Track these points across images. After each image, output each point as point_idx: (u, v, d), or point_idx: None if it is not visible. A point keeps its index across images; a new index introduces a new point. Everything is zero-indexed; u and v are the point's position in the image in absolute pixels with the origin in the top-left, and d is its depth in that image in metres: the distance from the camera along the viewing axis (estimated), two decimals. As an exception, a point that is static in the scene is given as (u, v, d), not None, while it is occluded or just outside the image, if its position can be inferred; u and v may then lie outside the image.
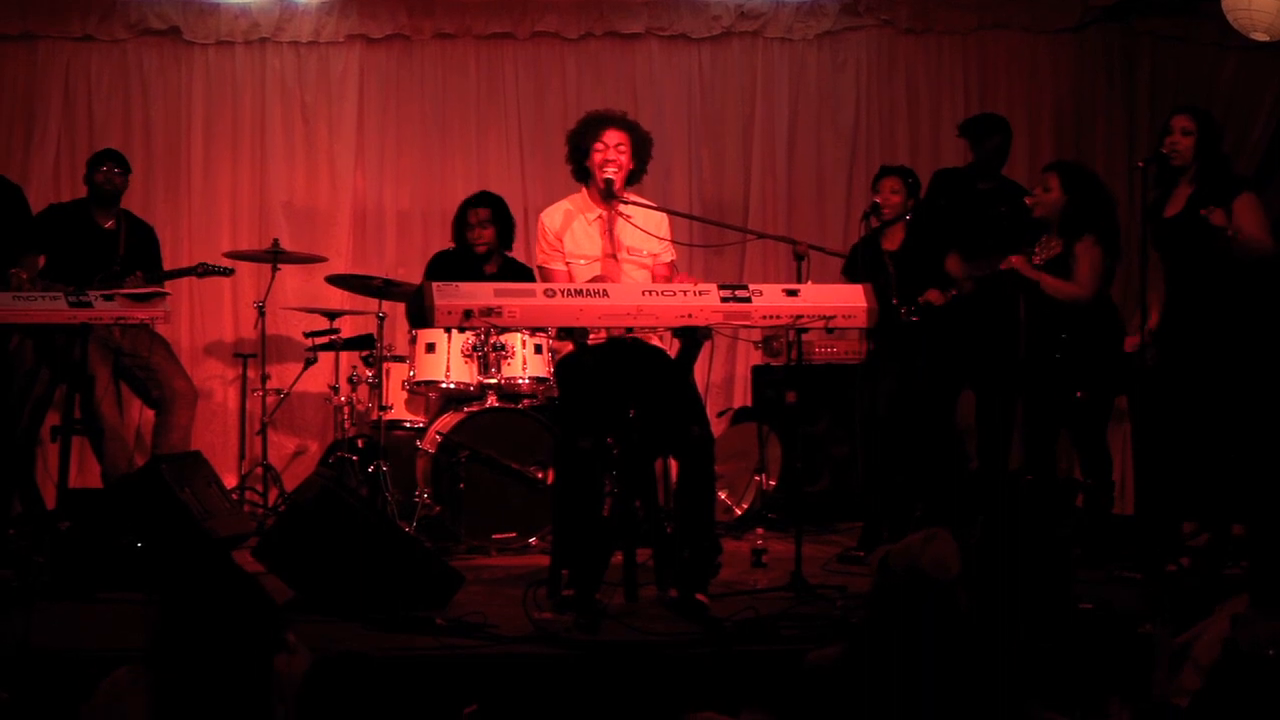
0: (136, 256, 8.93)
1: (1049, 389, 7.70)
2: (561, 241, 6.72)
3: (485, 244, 9.01)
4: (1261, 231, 7.13)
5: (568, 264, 6.69)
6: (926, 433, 8.08)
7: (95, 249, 8.79)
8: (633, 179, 6.80)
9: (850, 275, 7.98)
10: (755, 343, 9.63)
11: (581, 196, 6.83)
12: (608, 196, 6.69)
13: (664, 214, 6.96)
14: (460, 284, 5.92)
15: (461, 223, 9.10)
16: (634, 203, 6.79)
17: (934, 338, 7.97)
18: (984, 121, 9.03)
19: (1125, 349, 7.65)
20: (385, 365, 8.75)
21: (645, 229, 6.73)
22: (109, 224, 8.95)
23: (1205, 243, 7.11)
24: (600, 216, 6.75)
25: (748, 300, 6.07)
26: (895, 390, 8.00)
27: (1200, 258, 7.17)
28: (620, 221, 6.73)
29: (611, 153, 6.66)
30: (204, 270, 9.14)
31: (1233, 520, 7.29)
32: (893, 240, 8.20)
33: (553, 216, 6.81)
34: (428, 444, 8.44)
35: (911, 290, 7.93)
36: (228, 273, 9.31)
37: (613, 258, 6.70)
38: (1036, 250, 7.78)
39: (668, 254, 6.86)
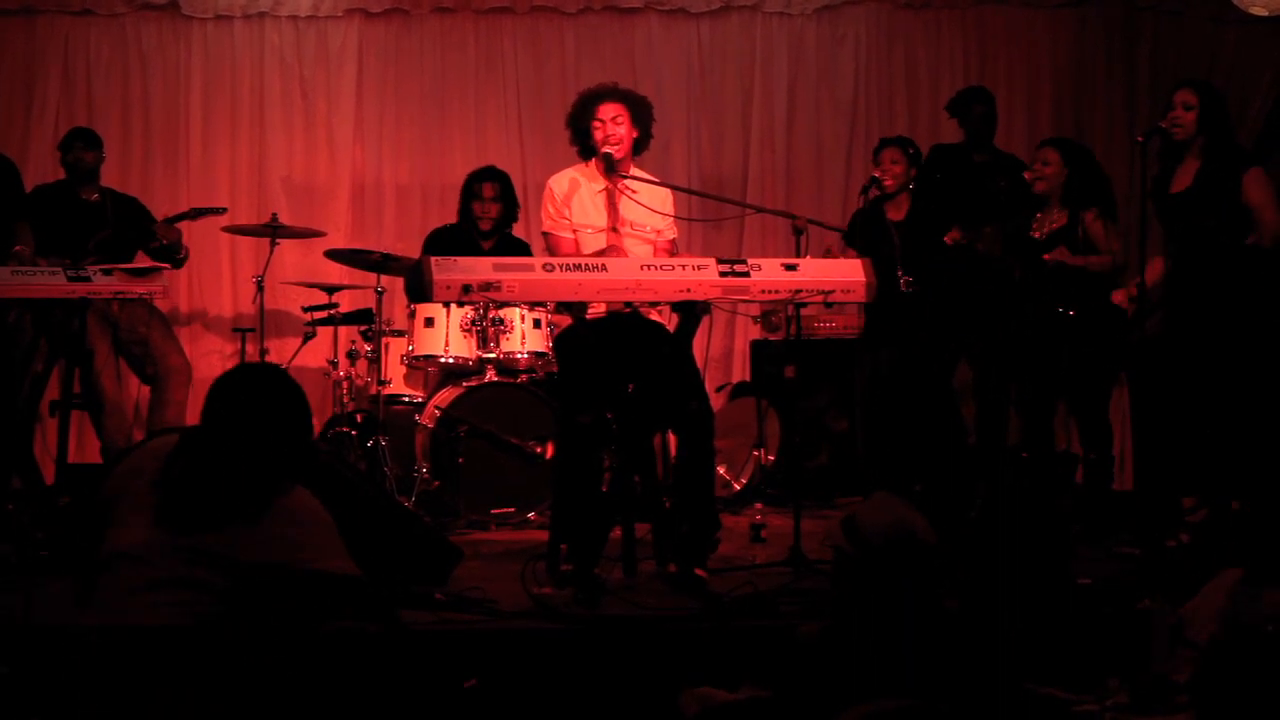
0: (123, 226, 8.89)
1: (1045, 363, 7.70)
2: (570, 208, 6.70)
3: (492, 219, 9.02)
4: (1271, 210, 7.14)
5: (575, 232, 6.69)
6: (924, 406, 8.08)
7: (82, 222, 8.74)
8: (639, 147, 6.79)
9: (849, 243, 7.99)
10: (754, 317, 9.62)
11: (590, 167, 6.80)
12: (610, 170, 6.67)
13: (668, 191, 6.96)
14: (459, 258, 5.92)
15: (469, 196, 9.10)
16: (638, 178, 6.78)
17: (931, 310, 7.98)
18: (965, 94, 9.11)
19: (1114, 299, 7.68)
20: (384, 340, 8.74)
21: (649, 205, 6.72)
22: (93, 197, 8.92)
23: (1215, 218, 7.14)
24: (605, 189, 6.73)
25: (746, 275, 6.07)
26: (892, 363, 8.00)
27: (1208, 232, 7.18)
28: (623, 196, 6.73)
29: (610, 127, 6.64)
30: (196, 213, 9.11)
31: (1232, 496, 7.29)
32: (898, 210, 8.20)
33: (560, 183, 6.78)
34: (426, 419, 8.45)
35: (916, 260, 7.92)
36: (220, 211, 9.28)
37: (614, 230, 6.69)
38: (1035, 223, 7.79)
39: (670, 231, 6.85)
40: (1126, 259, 7.74)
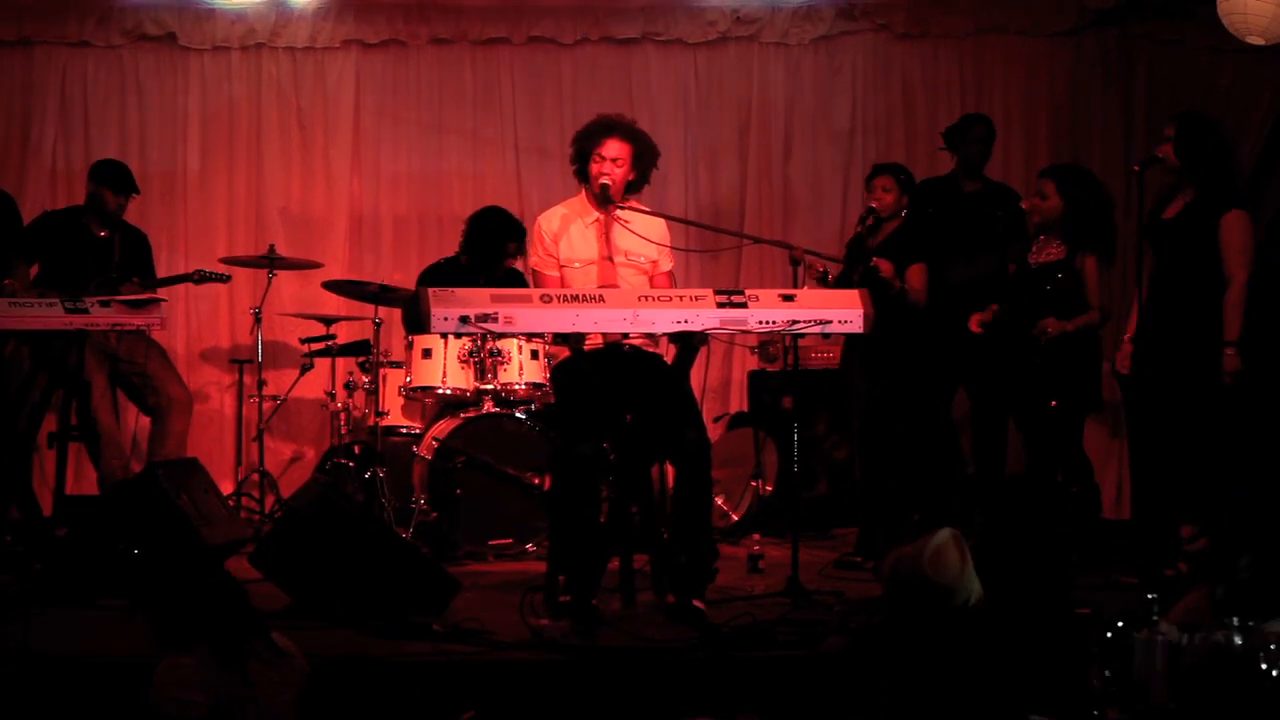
0: (131, 265, 8.91)
1: (1035, 395, 7.70)
2: (557, 246, 6.74)
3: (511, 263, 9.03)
4: (1240, 255, 7.18)
5: (561, 269, 6.71)
6: (919, 435, 8.08)
7: (91, 257, 8.76)
8: (632, 188, 6.81)
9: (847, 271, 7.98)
10: (751, 348, 9.63)
11: (580, 200, 6.84)
12: (603, 202, 6.70)
13: (663, 221, 6.96)
14: (456, 290, 5.92)
15: (503, 250, 9.02)
16: (632, 208, 6.79)
17: (919, 340, 7.97)
18: (965, 121, 9.06)
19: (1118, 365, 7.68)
20: (382, 371, 8.75)
21: (644, 235, 6.73)
22: (104, 233, 8.91)
23: (1195, 250, 7.17)
24: (598, 220, 6.76)
25: (744, 306, 6.07)
26: (883, 393, 7.98)
27: (1190, 262, 7.21)
28: (617, 226, 6.74)
29: (607, 165, 6.67)
30: (201, 277, 9.11)
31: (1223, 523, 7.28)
32: (881, 237, 8.15)
33: (550, 220, 6.82)
34: (424, 450, 8.43)
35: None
36: (224, 279, 9.27)
37: (609, 260, 6.71)
38: (1033, 251, 7.79)
39: (666, 262, 6.85)
40: (1111, 311, 7.76)
